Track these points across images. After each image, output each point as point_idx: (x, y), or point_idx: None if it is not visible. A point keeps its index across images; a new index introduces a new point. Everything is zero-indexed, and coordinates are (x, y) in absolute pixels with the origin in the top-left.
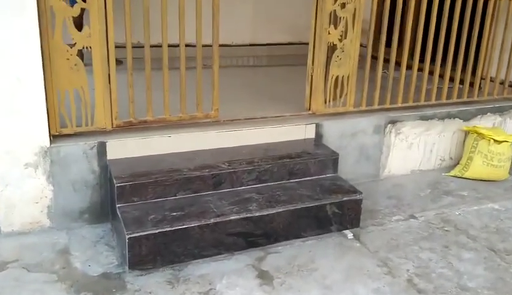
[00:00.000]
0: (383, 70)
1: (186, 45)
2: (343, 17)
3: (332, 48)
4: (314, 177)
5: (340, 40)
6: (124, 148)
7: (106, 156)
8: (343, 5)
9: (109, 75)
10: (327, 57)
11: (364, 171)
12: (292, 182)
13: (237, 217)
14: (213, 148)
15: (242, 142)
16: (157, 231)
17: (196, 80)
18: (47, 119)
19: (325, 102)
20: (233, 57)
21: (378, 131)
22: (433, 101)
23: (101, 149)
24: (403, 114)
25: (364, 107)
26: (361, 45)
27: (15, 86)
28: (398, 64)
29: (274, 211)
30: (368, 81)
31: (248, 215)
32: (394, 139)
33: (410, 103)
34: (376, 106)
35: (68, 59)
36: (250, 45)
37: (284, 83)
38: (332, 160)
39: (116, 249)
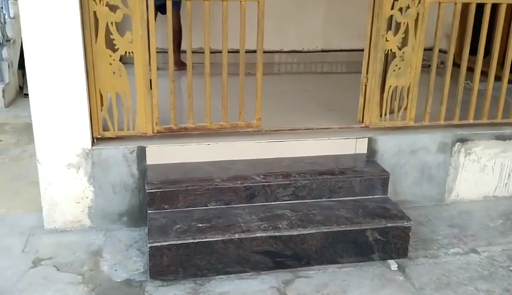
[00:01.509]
0: (465, 81)
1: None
2: (404, 23)
3: (390, 56)
4: (358, 198)
5: (400, 48)
6: (163, 154)
7: (145, 161)
8: (404, 10)
9: (150, 81)
10: (385, 66)
11: (425, 193)
12: (332, 201)
13: (264, 234)
14: (251, 158)
15: (283, 154)
16: (179, 242)
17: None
18: (89, 122)
19: (381, 115)
20: (306, 63)
21: (444, 149)
22: None
23: (141, 154)
24: (475, 131)
25: (427, 122)
26: (440, 51)
27: (59, 89)
28: (483, 74)
29: (305, 232)
30: (437, 92)
31: (276, 233)
32: (463, 159)
33: (485, 120)
34: (442, 122)
35: (110, 64)
36: (322, 51)
37: (347, 91)
38: (381, 179)
39: (146, 255)
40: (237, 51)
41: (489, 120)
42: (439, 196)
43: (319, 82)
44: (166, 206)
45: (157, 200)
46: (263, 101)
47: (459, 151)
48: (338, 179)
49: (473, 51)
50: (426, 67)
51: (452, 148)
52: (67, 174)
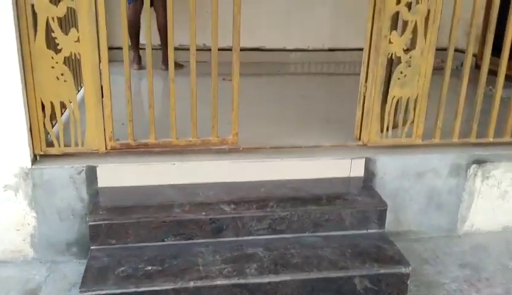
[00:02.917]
0: (487, 86)
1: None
2: (411, 21)
3: (393, 62)
4: (348, 232)
5: (406, 52)
6: (118, 175)
7: (96, 183)
8: (411, 5)
9: (102, 87)
10: (388, 72)
11: (433, 222)
12: (316, 236)
13: (226, 282)
14: (225, 181)
15: (264, 177)
16: (118, 291)
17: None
18: (27, 136)
19: (382, 131)
20: (311, 63)
21: (457, 172)
22: None
23: (91, 175)
24: (495, 152)
25: (437, 140)
26: (457, 50)
27: None
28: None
29: (278, 279)
30: (452, 103)
31: (242, 281)
32: (480, 184)
33: (507, 138)
34: (456, 140)
35: (53, 67)
36: (330, 50)
37: (351, 98)
38: (377, 211)
39: None
40: (223, 49)
41: None
42: (450, 226)
43: (322, 84)
44: (113, 241)
45: (102, 234)
46: (247, 111)
47: (475, 174)
48: (324, 210)
49: (498, 52)
50: (441, 69)
51: (466, 171)
52: (4, 197)
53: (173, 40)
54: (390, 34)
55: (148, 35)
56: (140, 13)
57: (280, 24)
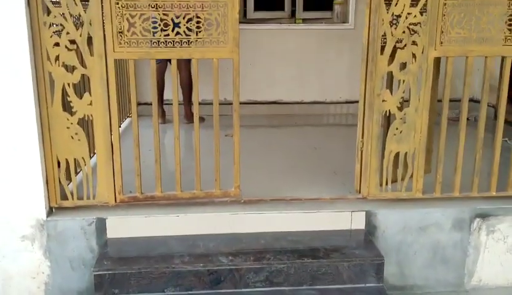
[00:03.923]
0: (503, 138)
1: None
2: (403, 80)
3: (389, 118)
4: (346, 286)
5: (400, 109)
6: (126, 226)
7: (105, 234)
8: (403, 65)
9: (112, 144)
10: (386, 127)
11: (439, 277)
12: (314, 289)
13: None
14: (226, 233)
15: (265, 228)
16: None
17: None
18: (44, 190)
19: (381, 185)
20: (329, 115)
21: (461, 226)
22: None
23: (101, 226)
24: (498, 206)
25: (438, 194)
26: (472, 100)
27: (11, 155)
28: None
29: None
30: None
31: None
32: (485, 238)
33: (510, 192)
34: (457, 194)
35: (68, 127)
36: (347, 102)
37: None
38: (374, 265)
39: None
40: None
41: None
42: (457, 281)
43: (337, 136)
44: (116, 291)
45: (106, 284)
46: (257, 162)
47: (479, 228)
48: (321, 263)
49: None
50: (456, 120)
51: (470, 225)
52: (21, 247)
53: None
54: (383, 92)
55: (175, 93)
56: (165, 72)
57: (297, 78)
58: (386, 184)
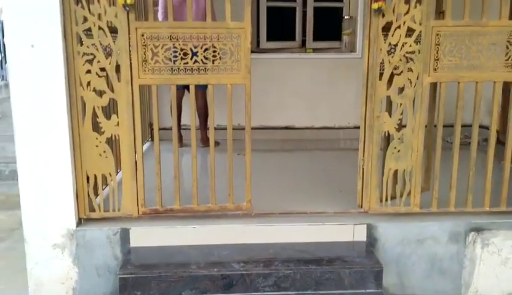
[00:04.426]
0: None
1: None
2: (400, 104)
3: (388, 138)
4: (348, 291)
5: (398, 130)
6: (147, 236)
7: (129, 243)
8: (400, 90)
9: (135, 162)
10: (386, 146)
11: (438, 288)
12: (318, 294)
13: None
14: (238, 243)
15: (274, 239)
16: None
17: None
18: (74, 203)
19: (381, 200)
20: (339, 140)
21: (456, 239)
22: None
23: (124, 236)
24: (492, 220)
25: (434, 209)
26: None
27: (45, 170)
28: None
29: None
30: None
31: None
32: (480, 251)
33: (503, 208)
34: (452, 209)
35: (97, 146)
36: (355, 127)
37: None
38: (374, 272)
39: None
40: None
41: (509, 207)
42: (455, 291)
43: (345, 159)
44: (138, 293)
45: (129, 286)
46: (269, 181)
47: (474, 241)
48: (325, 269)
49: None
50: (466, 144)
51: (465, 238)
52: (52, 254)
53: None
54: (382, 114)
55: (192, 115)
56: (182, 99)
57: (308, 104)
58: (386, 199)
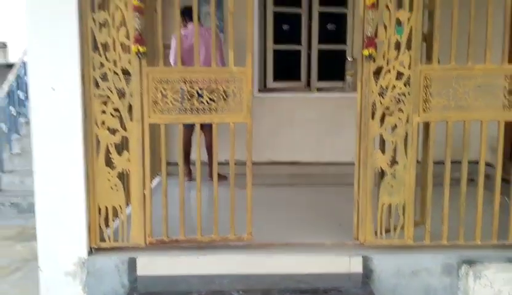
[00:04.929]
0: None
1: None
2: (392, 141)
3: (382, 173)
4: None
5: (391, 166)
6: (153, 265)
7: (136, 271)
8: (392, 129)
9: (144, 195)
10: (379, 182)
11: None
12: None
13: None
14: (239, 273)
15: (274, 270)
16: None
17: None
18: (86, 233)
19: (376, 233)
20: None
21: (449, 271)
22: None
23: (132, 265)
24: (484, 253)
25: (428, 242)
26: (471, 162)
27: (61, 203)
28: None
29: None
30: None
31: None
32: (473, 283)
33: (494, 241)
34: (445, 242)
35: (109, 180)
36: None
37: None
38: None
39: None
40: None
41: (499, 241)
42: None
43: (347, 194)
44: None
45: None
46: (272, 214)
47: (467, 274)
48: None
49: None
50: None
51: (458, 270)
52: (64, 281)
53: (219, 156)
54: (375, 151)
55: (198, 153)
56: (191, 136)
57: (314, 141)
58: (381, 232)
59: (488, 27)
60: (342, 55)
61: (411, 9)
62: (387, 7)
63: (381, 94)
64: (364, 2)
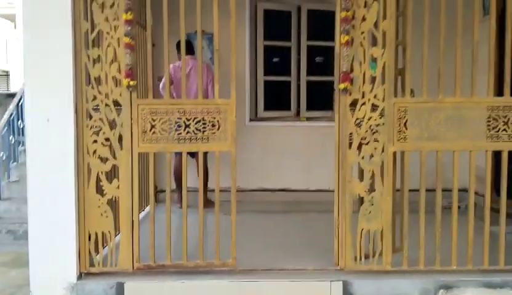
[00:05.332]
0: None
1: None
2: (369, 170)
3: (361, 200)
4: None
5: (368, 193)
6: (140, 290)
7: None
8: (370, 157)
9: (132, 222)
10: (358, 208)
11: None
12: None
13: None
14: None
15: (257, 294)
16: None
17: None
18: (76, 258)
19: (356, 259)
20: (331, 202)
21: None
22: (502, 266)
23: (119, 290)
24: (459, 278)
25: (405, 267)
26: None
27: (51, 229)
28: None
29: None
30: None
31: None
32: None
33: (469, 266)
34: (422, 267)
35: (99, 206)
36: None
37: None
38: None
39: None
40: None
41: (475, 266)
42: None
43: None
44: None
45: None
46: (259, 240)
47: None
48: None
49: None
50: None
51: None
52: None
53: (211, 183)
54: (353, 179)
55: (184, 181)
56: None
57: (303, 168)
58: (361, 258)
59: (458, 61)
60: (330, 85)
61: (384, 46)
62: (361, 44)
63: (358, 125)
64: (339, 40)
